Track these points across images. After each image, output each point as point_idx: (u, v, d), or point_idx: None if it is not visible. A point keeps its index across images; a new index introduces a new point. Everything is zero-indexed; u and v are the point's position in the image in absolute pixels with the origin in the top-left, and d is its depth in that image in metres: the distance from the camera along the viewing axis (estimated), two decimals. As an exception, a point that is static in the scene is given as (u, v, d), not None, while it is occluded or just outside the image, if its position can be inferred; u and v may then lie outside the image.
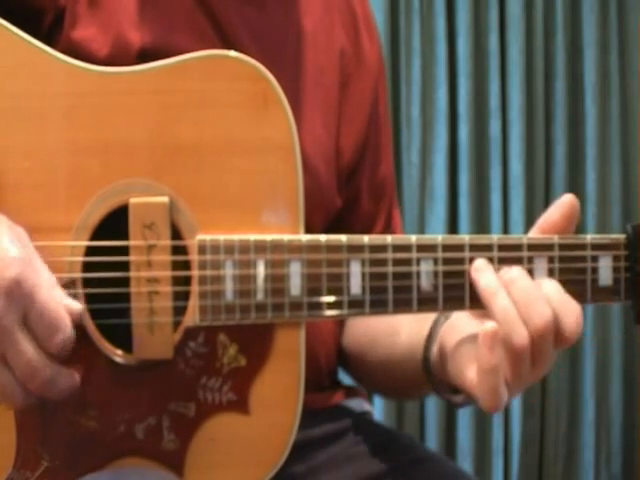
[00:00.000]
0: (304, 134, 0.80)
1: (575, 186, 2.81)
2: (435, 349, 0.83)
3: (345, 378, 1.06)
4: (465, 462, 2.67)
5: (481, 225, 2.74)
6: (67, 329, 0.70)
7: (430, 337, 0.84)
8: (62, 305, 0.70)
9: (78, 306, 0.72)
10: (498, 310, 0.72)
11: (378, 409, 2.57)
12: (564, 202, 0.77)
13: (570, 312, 0.72)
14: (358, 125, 1.00)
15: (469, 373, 0.74)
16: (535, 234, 0.77)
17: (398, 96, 2.66)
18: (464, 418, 2.70)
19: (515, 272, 0.74)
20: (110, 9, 0.85)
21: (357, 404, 1.02)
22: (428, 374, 0.84)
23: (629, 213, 2.82)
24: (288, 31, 0.95)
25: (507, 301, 0.72)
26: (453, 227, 2.73)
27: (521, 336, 0.71)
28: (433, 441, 2.66)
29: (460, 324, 0.79)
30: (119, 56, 0.83)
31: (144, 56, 0.82)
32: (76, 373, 0.72)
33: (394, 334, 0.92)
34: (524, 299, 0.72)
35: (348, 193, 1.00)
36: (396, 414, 2.65)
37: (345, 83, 0.99)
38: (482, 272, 0.74)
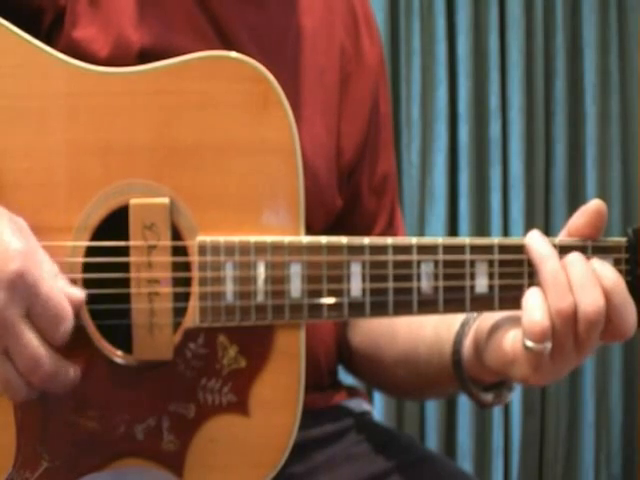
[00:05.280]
0: (304, 134, 0.80)
1: (575, 186, 2.81)
2: (468, 342, 0.82)
3: (345, 378, 1.06)
4: (465, 462, 2.67)
5: (481, 225, 2.73)
6: (70, 320, 0.70)
7: (461, 332, 0.84)
8: (64, 296, 0.70)
9: (80, 295, 0.72)
10: (549, 273, 0.72)
11: (378, 409, 2.57)
12: (590, 209, 0.76)
13: (626, 311, 0.72)
14: (358, 124, 1.00)
15: (511, 341, 0.74)
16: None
17: (398, 96, 2.66)
18: (464, 418, 2.69)
19: (575, 256, 0.73)
20: (110, 9, 0.85)
21: (357, 404, 1.02)
22: (457, 370, 0.84)
23: (629, 213, 2.82)
24: (288, 31, 0.95)
25: (559, 267, 0.72)
26: (453, 227, 2.73)
27: (567, 302, 0.70)
28: (433, 441, 2.66)
29: (494, 314, 0.78)
30: (119, 56, 0.83)
31: (144, 56, 0.82)
32: (77, 366, 0.72)
33: (417, 329, 0.91)
34: (580, 280, 0.71)
35: (348, 192, 1.00)
36: (396, 414, 2.65)
37: (345, 82, 0.99)
38: (536, 239, 0.74)
